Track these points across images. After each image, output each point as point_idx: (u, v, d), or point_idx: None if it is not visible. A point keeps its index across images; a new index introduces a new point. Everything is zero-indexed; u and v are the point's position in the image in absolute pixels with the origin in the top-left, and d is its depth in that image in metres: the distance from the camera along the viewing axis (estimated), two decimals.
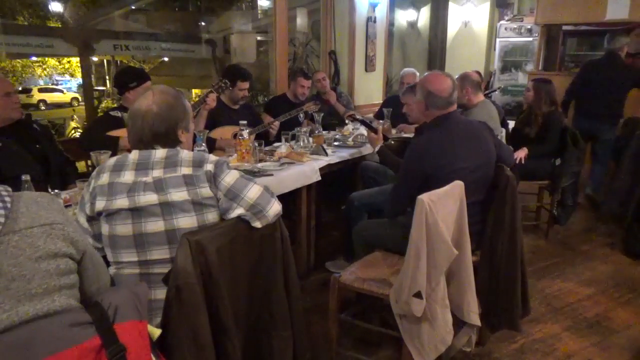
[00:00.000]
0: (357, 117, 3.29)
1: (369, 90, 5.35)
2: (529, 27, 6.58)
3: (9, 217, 0.91)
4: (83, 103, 13.86)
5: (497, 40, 6.92)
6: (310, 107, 3.34)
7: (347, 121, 3.63)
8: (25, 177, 1.75)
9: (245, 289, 1.41)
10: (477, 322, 1.90)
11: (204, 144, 2.35)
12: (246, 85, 3.26)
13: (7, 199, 0.93)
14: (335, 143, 3.28)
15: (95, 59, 14.69)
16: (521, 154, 3.52)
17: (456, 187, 1.80)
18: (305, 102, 3.73)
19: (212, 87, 2.92)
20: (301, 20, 6.03)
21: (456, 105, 2.15)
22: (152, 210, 1.33)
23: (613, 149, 4.00)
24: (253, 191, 1.39)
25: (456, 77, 3.13)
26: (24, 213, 0.94)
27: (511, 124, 4.10)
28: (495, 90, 5.41)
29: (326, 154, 2.92)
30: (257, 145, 2.65)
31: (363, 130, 3.30)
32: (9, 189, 0.97)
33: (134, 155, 1.40)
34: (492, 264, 2.03)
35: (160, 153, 1.39)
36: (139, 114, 1.39)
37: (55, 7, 11.53)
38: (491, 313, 2.08)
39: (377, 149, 2.69)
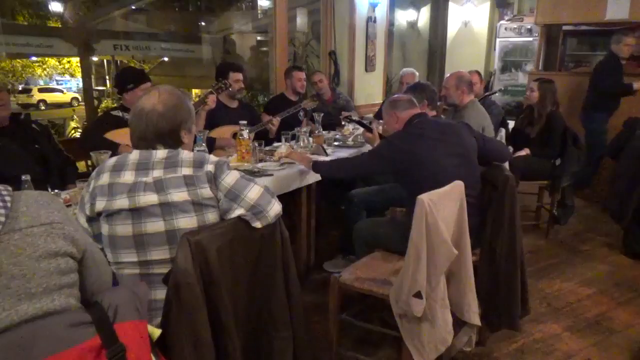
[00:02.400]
0: (354, 118, 3.29)
1: (369, 90, 5.35)
2: (529, 27, 6.58)
3: (9, 217, 0.91)
4: (83, 103, 13.85)
5: (497, 40, 6.92)
6: (308, 104, 3.34)
7: (343, 122, 3.63)
8: (25, 177, 1.75)
9: (245, 289, 1.41)
10: (477, 322, 1.90)
11: (204, 144, 2.35)
12: (238, 76, 3.26)
13: (8, 198, 0.94)
14: (335, 143, 3.28)
15: (95, 59, 14.68)
16: (522, 153, 3.53)
17: (456, 187, 1.81)
18: (305, 98, 3.73)
19: (212, 87, 2.92)
20: (301, 20, 6.04)
21: (418, 108, 2.29)
22: (152, 210, 1.33)
23: (612, 148, 4.00)
24: (253, 192, 1.38)
25: (447, 75, 3.14)
26: (24, 212, 0.94)
27: (511, 124, 4.10)
28: (495, 92, 5.41)
29: (326, 154, 2.92)
30: (257, 145, 2.65)
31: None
32: (9, 188, 0.97)
33: (134, 155, 1.39)
34: (492, 264, 2.04)
35: (160, 153, 1.39)
36: (143, 112, 1.38)
37: (55, 7, 11.52)
38: (491, 313, 2.08)
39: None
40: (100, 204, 1.34)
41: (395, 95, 2.43)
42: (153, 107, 1.38)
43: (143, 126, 1.38)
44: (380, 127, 3.29)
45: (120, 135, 2.54)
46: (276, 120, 3.22)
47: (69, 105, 16.70)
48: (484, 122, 2.99)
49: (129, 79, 2.69)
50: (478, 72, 4.09)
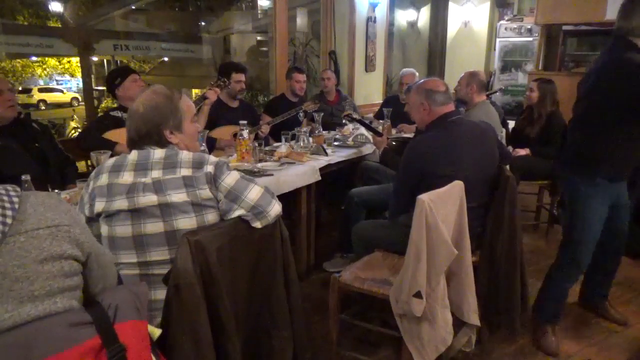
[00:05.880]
0: (355, 116, 3.28)
1: (369, 90, 5.36)
2: (529, 27, 6.58)
3: (15, 218, 0.91)
4: (83, 103, 13.86)
5: (497, 40, 6.92)
6: (310, 106, 3.34)
7: (344, 121, 3.64)
8: (25, 177, 1.75)
9: (245, 289, 1.41)
10: (477, 322, 1.90)
11: (204, 144, 2.35)
12: (241, 77, 3.27)
13: (16, 199, 0.93)
14: (335, 143, 3.28)
15: (95, 59, 14.69)
16: (522, 152, 3.53)
17: (456, 187, 1.80)
18: (305, 99, 3.73)
19: (211, 85, 2.93)
20: (301, 20, 6.04)
21: (453, 104, 2.15)
22: (152, 211, 1.33)
23: None
24: (254, 192, 1.38)
25: (462, 73, 3.15)
26: (30, 214, 0.93)
27: (511, 124, 4.10)
28: (496, 92, 5.41)
29: (326, 154, 2.92)
30: (257, 145, 2.66)
31: (363, 130, 3.30)
32: (18, 189, 0.96)
33: (133, 155, 1.40)
34: (492, 264, 2.04)
35: (158, 153, 1.39)
36: (130, 114, 1.43)
37: (55, 7, 11.54)
38: (491, 313, 2.08)
39: (381, 151, 2.71)
40: (99, 205, 1.34)
41: (431, 82, 2.14)
42: (136, 108, 1.42)
43: (128, 128, 1.42)
44: (380, 127, 3.31)
45: (119, 135, 2.54)
46: (265, 128, 3.22)
47: (69, 105, 16.72)
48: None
49: (114, 76, 2.76)
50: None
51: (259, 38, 10.40)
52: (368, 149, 3.25)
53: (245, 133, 2.60)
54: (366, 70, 5.24)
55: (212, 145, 2.94)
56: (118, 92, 2.71)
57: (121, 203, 1.32)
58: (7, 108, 2.26)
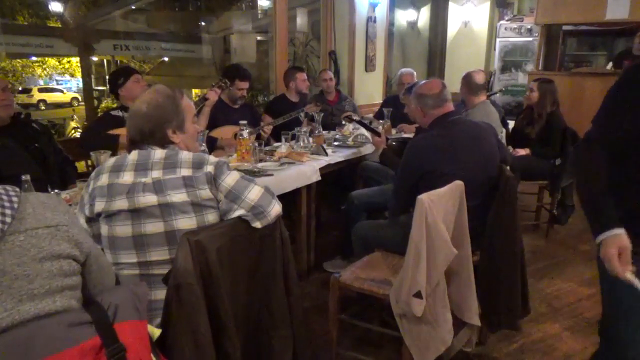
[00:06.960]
0: (355, 118, 3.28)
1: (369, 90, 5.36)
2: (529, 27, 6.58)
3: (15, 218, 0.92)
4: (83, 103, 13.87)
5: (497, 40, 6.92)
6: (312, 108, 3.34)
7: (343, 122, 3.64)
8: (25, 177, 1.75)
9: (245, 289, 1.41)
10: (477, 322, 1.90)
11: (204, 144, 2.35)
12: (245, 85, 3.26)
13: (15, 199, 0.94)
14: (335, 143, 3.28)
15: (95, 59, 14.68)
16: (522, 152, 3.53)
17: (456, 187, 1.80)
18: (305, 101, 3.73)
19: (212, 86, 2.93)
20: (301, 20, 6.03)
21: (451, 104, 2.16)
22: (152, 211, 1.33)
23: None
24: (254, 192, 1.38)
25: (463, 74, 3.19)
26: (30, 214, 0.94)
27: (511, 123, 4.10)
28: (496, 93, 5.42)
29: (326, 154, 2.92)
30: (257, 145, 2.65)
31: (363, 130, 3.30)
32: (17, 189, 0.97)
33: (133, 155, 1.40)
34: (492, 264, 2.03)
35: (159, 153, 1.39)
36: (131, 113, 1.43)
37: (55, 7, 11.53)
38: (491, 313, 2.08)
39: (380, 151, 2.71)
40: (99, 205, 1.34)
41: (425, 86, 2.17)
42: (138, 108, 1.41)
43: (129, 127, 1.42)
44: (381, 128, 3.30)
45: (121, 135, 2.54)
46: (268, 128, 3.22)
47: (69, 105, 16.72)
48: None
49: (117, 76, 2.77)
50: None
51: (259, 38, 10.39)
52: (368, 149, 3.25)
53: (246, 133, 2.60)
54: (366, 70, 5.24)
55: (212, 145, 2.93)
56: (121, 92, 2.72)
57: (121, 203, 1.32)
58: (2, 107, 2.25)
